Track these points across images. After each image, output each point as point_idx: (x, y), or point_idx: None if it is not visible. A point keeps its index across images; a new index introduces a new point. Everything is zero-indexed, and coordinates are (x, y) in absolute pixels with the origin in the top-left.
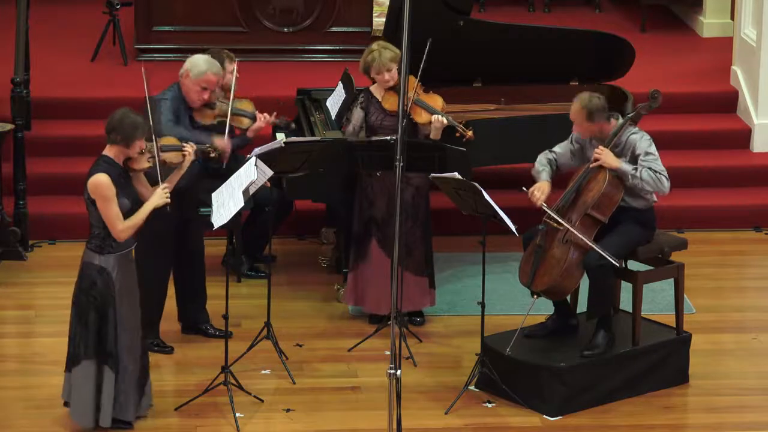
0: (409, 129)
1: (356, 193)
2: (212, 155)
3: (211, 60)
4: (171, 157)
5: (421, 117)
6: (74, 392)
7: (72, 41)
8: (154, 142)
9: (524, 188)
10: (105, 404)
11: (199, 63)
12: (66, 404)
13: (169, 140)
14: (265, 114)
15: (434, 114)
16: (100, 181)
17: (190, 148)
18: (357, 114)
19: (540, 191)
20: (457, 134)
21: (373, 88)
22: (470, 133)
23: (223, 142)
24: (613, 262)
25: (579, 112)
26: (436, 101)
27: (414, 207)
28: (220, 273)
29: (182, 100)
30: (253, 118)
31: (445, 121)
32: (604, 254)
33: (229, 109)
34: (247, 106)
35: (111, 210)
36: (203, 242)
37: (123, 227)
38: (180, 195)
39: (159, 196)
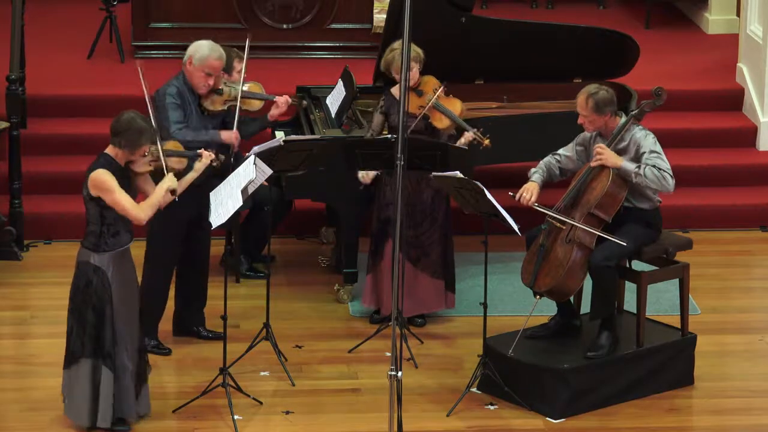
0: (429, 134)
1: (375, 192)
2: (214, 164)
3: (214, 45)
4: (173, 162)
5: (440, 122)
6: (71, 390)
7: (68, 38)
8: (159, 146)
9: (510, 193)
10: (104, 404)
11: (201, 48)
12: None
13: (174, 145)
14: (287, 96)
15: (452, 119)
16: (101, 175)
17: (206, 153)
18: (377, 119)
19: (528, 192)
20: (475, 141)
21: (393, 90)
22: (487, 141)
23: (230, 135)
24: (620, 242)
25: (585, 102)
26: (455, 105)
27: (433, 209)
28: (218, 273)
29: (188, 89)
30: (263, 99)
31: (471, 136)
32: (612, 238)
33: (239, 92)
34: (255, 88)
35: (122, 198)
36: (209, 245)
37: (141, 209)
38: (194, 193)
39: (170, 179)
